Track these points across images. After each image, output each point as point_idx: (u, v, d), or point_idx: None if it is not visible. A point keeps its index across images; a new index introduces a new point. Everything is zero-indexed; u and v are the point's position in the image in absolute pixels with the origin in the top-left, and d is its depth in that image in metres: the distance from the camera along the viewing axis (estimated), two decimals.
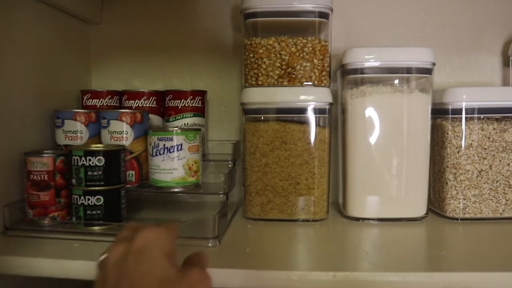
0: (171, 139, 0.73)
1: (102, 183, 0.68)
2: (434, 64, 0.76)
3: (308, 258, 0.62)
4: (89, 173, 0.67)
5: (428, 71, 0.76)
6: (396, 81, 0.78)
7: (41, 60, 0.81)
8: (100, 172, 0.68)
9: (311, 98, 0.74)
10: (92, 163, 0.67)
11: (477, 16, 0.91)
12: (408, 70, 0.76)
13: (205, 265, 0.50)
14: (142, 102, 0.85)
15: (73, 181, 0.68)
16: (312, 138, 0.75)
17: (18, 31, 0.75)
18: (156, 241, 0.45)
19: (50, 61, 0.84)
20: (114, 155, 0.70)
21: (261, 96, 0.75)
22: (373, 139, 0.75)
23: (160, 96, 0.86)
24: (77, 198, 0.68)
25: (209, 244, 0.64)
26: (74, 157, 0.68)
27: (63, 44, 0.88)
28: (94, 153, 0.67)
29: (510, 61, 0.88)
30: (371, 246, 0.67)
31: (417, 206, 0.77)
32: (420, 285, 0.54)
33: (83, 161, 0.67)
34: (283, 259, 0.60)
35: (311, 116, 0.75)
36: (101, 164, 0.68)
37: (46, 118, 0.81)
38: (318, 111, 0.75)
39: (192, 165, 0.75)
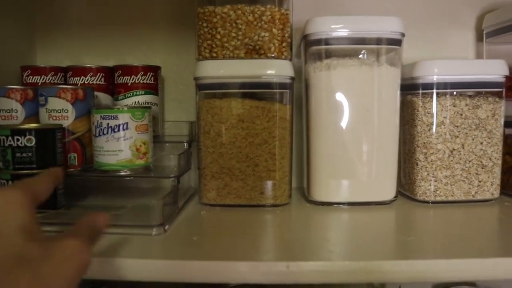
0: (116, 117, 0.66)
1: (34, 165, 0.60)
2: (403, 34, 0.70)
3: (262, 247, 0.55)
4: (18, 154, 0.60)
5: (397, 42, 0.70)
6: (364, 54, 0.71)
7: None
8: (30, 154, 0.60)
9: (270, 72, 0.68)
10: (21, 143, 0.60)
11: None
12: (377, 41, 0.70)
13: (95, 233, 0.41)
14: (88, 79, 0.77)
15: (0, 164, 0.61)
16: (272, 115, 0.68)
17: None
18: (3, 209, 0.36)
19: None
20: (47, 134, 0.62)
21: (216, 69, 0.68)
22: (338, 117, 0.69)
23: (109, 72, 0.79)
24: (4, 183, 0.60)
25: (153, 233, 0.57)
26: (0, 137, 0.60)
27: (2, 16, 0.79)
28: (23, 132, 0.60)
29: (484, 36, 0.83)
30: (334, 233, 0.61)
31: (386, 189, 0.72)
32: (383, 274, 0.48)
33: (10, 141, 0.59)
34: (233, 248, 0.54)
35: (270, 92, 0.68)
36: (31, 144, 0.60)
37: None
38: (278, 86, 0.68)
39: (140, 146, 0.68)
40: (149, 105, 0.77)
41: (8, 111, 0.70)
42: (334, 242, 0.56)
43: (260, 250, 0.54)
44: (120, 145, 0.66)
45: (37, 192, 0.41)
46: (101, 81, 0.78)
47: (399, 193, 0.74)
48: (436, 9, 0.86)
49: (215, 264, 0.48)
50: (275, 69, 0.68)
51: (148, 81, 0.78)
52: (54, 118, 0.68)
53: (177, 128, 0.84)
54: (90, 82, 0.77)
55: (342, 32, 0.68)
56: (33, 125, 0.64)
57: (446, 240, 0.56)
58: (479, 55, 0.86)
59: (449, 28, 0.86)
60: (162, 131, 0.82)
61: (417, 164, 0.72)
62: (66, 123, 0.68)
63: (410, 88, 0.73)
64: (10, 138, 0.59)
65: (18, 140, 0.60)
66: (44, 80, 0.78)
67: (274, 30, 0.68)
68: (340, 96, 0.69)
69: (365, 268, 0.47)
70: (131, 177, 0.67)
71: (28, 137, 0.60)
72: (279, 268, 0.47)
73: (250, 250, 0.52)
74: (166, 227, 0.59)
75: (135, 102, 0.77)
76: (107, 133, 0.66)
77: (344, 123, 0.69)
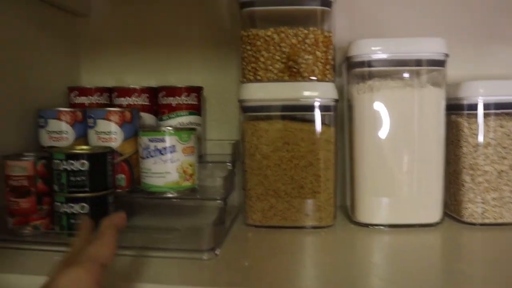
0: (163, 140, 0.67)
1: (87, 189, 0.62)
2: (447, 55, 0.69)
3: (313, 273, 0.55)
4: (72, 178, 0.61)
5: (441, 63, 0.69)
6: (406, 75, 0.71)
7: (24, 55, 0.75)
8: (84, 177, 0.62)
9: (314, 94, 0.68)
10: (75, 167, 0.61)
11: (493, 4, 0.84)
12: (419, 63, 0.69)
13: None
14: (133, 100, 0.79)
15: (55, 187, 0.62)
16: (317, 137, 0.69)
17: (1, 25, 0.69)
18: None
19: (33, 55, 0.78)
20: (99, 158, 0.64)
21: (260, 92, 0.69)
22: (382, 138, 0.69)
23: (153, 93, 0.80)
24: (59, 205, 0.62)
25: (204, 257, 0.57)
26: (55, 160, 0.62)
27: (48, 37, 0.82)
28: (76, 156, 0.62)
29: None
30: (382, 258, 0.61)
31: (432, 211, 0.71)
32: None
33: (64, 165, 0.61)
34: (284, 274, 0.54)
35: (315, 114, 0.68)
36: (85, 168, 0.62)
37: (29, 118, 0.75)
38: (322, 108, 0.69)
39: (187, 168, 0.69)
40: (193, 126, 0.78)
41: (59, 132, 0.72)
42: (382, 268, 0.56)
43: (312, 277, 0.54)
44: (168, 167, 0.68)
45: (103, 260, 0.42)
46: (146, 102, 0.79)
47: (445, 214, 0.73)
48: (478, 26, 0.85)
49: None
50: (319, 92, 0.68)
51: (191, 102, 0.79)
52: (103, 140, 0.70)
53: (219, 147, 0.84)
54: (135, 103, 0.79)
55: (385, 54, 0.68)
56: (85, 148, 0.66)
57: (497, 266, 0.55)
58: None
59: (492, 45, 0.84)
60: (205, 150, 0.83)
61: (463, 186, 0.71)
62: (114, 145, 0.70)
63: (455, 108, 0.72)
64: (64, 162, 0.61)
65: (72, 164, 0.61)
66: (90, 100, 0.80)
67: (317, 52, 0.68)
68: (384, 117, 0.69)
69: None
70: (179, 199, 0.68)
71: (81, 161, 0.62)
72: None
73: (301, 277, 0.52)
74: (217, 251, 0.59)
75: (179, 123, 0.78)
76: (155, 155, 0.68)
77: (388, 144, 0.69)
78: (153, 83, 0.84)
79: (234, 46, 0.87)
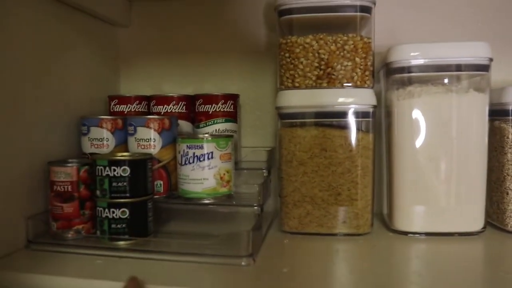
0: (201, 147, 0.68)
1: (128, 194, 0.63)
2: (491, 59, 0.67)
3: (353, 281, 0.55)
4: (114, 184, 0.63)
5: (484, 67, 0.67)
6: (448, 80, 0.70)
7: (67, 64, 0.78)
8: (125, 183, 0.63)
9: (353, 101, 0.68)
10: (117, 173, 0.63)
11: None
12: (462, 67, 0.68)
13: None
14: (171, 107, 0.80)
15: (98, 192, 0.64)
16: (355, 144, 0.68)
17: (42, 35, 0.71)
18: None
19: (76, 65, 0.80)
20: (140, 164, 0.65)
21: (298, 99, 0.69)
22: (422, 145, 0.68)
23: (190, 100, 0.82)
24: (101, 210, 0.64)
25: (243, 263, 0.58)
26: (98, 167, 0.64)
27: (91, 48, 0.85)
28: (119, 163, 0.63)
29: None
30: (424, 267, 0.59)
31: (473, 219, 0.69)
32: None
33: (107, 171, 0.63)
34: (324, 281, 0.54)
35: (353, 120, 0.68)
36: (126, 174, 0.63)
37: (72, 126, 0.77)
38: (361, 115, 0.68)
39: (224, 174, 0.69)
40: (230, 133, 0.79)
41: (100, 139, 0.74)
42: (425, 278, 0.54)
43: (349, 283, 0.53)
44: (205, 174, 0.68)
45: None
46: (183, 109, 0.81)
47: (487, 222, 0.71)
48: None
49: None
50: (358, 98, 0.68)
51: (228, 109, 0.80)
52: (142, 147, 0.71)
53: (254, 154, 0.85)
54: (173, 110, 0.80)
55: (426, 59, 0.67)
56: (127, 155, 0.68)
57: None
58: None
59: None
60: (240, 157, 0.84)
61: (507, 194, 0.69)
62: (153, 151, 0.71)
63: (499, 114, 0.70)
64: (107, 168, 0.63)
65: (114, 170, 0.63)
66: (129, 108, 0.82)
67: (356, 58, 0.68)
68: (424, 124, 0.67)
69: None
70: (216, 206, 0.69)
71: (123, 167, 0.63)
72: None
73: (339, 284, 0.52)
74: (255, 257, 0.59)
75: (216, 130, 0.79)
76: (193, 162, 0.68)
77: (428, 151, 0.68)
78: (189, 91, 0.85)
79: (269, 54, 0.88)
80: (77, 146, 0.76)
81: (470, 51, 0.67)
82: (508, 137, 0.68)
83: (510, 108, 0.68)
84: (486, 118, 0.68)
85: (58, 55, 0.75)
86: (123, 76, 0.95)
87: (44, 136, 0.71)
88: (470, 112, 0.68)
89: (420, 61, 0.68)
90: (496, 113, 0.70)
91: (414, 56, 0.68)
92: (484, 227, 0.69)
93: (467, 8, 0.83)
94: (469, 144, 0.68)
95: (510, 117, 0.68)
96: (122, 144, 0.74)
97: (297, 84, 0.69)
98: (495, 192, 0.72)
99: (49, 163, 0.67)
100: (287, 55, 0.70)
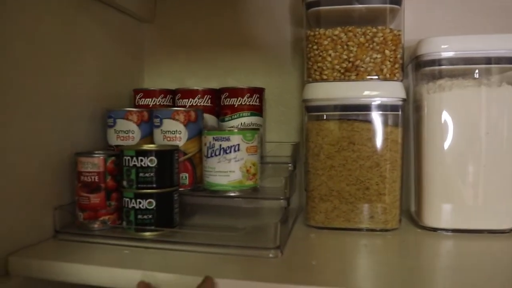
0: (228, 139, 0.68)
1: (154, 185, 0.63)
2: None
3: (384, 274, 0.54)
4: (141, 174, 0.63)
5: None
6: (479, 73, 0.68)
7: (95, 59, 0.78)
8: (152, 174, 0.63)
9: (382, 94, 0.66)
10: (144, 163, 0.63)
11: None
12: (494, 60, 0.66)
13: None
14: (196, 101, 0.80)
15: (124, 183, 0.64)
16: (383, 138, 0.67)
17: (74, 30, 0.72)
18: None
19: (103, 59, 0.81)
20: (167, 155, 0.65)
21: (326, 92, 0.68)
22: (453, 140, 0.66)
23: (215, 94, 0.81)
24: (128, 201, 0.64)
25: (270, 255, 0.57)
26: (125, 157, 0.64)
27: (117, 42, 0.85)
28: (146, 153, 0.63)
29: None
30: (453, 263, 0.58)
31: (503, 217, 0.67)
32: None
33: (134, 161, 0.63)
34: (355, 274, 0.53)
35: (382, 114, 0.67)
36: (153, 165, 0.63)
37: (98, 118, 0.78)
38: (390, 108, 0.67)
39: (250, 167, 0.69)
40: (256, 127, 0.78)
41: (126, 132, 0.74)
42: (455, 274, 0.53)
43: (383, 278, 0.52)
44: (231, 166, 0.68)
45: None
46: (208, 103, 0.80)
47: None
48: None
49: None
50: (388, 91, 0.67)
51: (253, 103, 0.79)
52: (168, 139, 0.71)
53: (279, 149, 0.84)
54: (198, 104, 0.80)
55: (457, 52, 0.66)
56: (154, 146, 0.68)
57: None
58: None
59: None
60: (264, 152, 0.83)
61: None
62: (179, 144, 0.71)
63: None
64: (134, 158, 0.63)
65: (141, 160, 0.63)
66: (155, 102, 0.82)
67: (386, 51, 0.67)
68: (455, 118, 0.66)
69: None
70: (243, 198, 0.68)
71: (150, 157, 0.63)
72: None
73: (373, 278, 0.51)
74: (282, 250, 0.58)
75: (241, 124, 0.78)
76: (219, 154, 0.68)
77: (459, 146, 0.66)
78: (213, 85, 0.85)
79: (294, 49, 0.88)
80: (103, 138, 0.77)
81: (502, 44, 0.66)
82: None
83: None
84: None
85: (84, 48, 0.75)
86: (147, 71, 0.96)
87: (70, 128, 0.72)
88: (502, 106, 0.66)
89: (451, 54, 0.67)
90: None
91: (445, 48, 0.67)
92: None
93: (496, 2, 0.81)
94: (500, 140, 0.66)
95: None
96: (148, 137, 0.74)
97: (325, 77, 0.69)
98: None
99: (76, 154, 0.67)
100: (315, 47, 0.69)
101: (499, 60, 0.66)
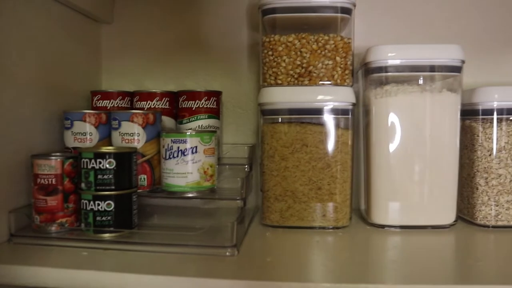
0: (186, 141, 0.70)
1: (113, 187, 0.64)
2: (463, 61, 0.71)
3: (335, 268, 0.57)
4: (99, 176, 0.64)
5: (457, 69, 0.71)
6: (422, 80, 0.73)
7: (50, 59, 0.78)
8: (111, 176, 0.64)
9: (333, 98, 0.70)
10: (103, 165, 0.63)
11: (504, 12, 0.87)
12: (437, 68, 0.71)
13: None
14: (154, 103, 0.81)
15: (82, 185, 0.64)
16: (335, 140, 0.71)
17: (26, 28, 0.71)
18: None
19: (59, 60, 0.81)
20: (126, 157, 0.66)
21: (281, 96, 0.71)
22: (399, 142, 0.71)
23: (173, 97, 0.83)
24: (86, 203, 0.64)
25: (227, 253, 0.59)
26: (83, 159, 0.64)
27: (73, 43, 0.85)
28: (104, 155, 0.64)
29: None
30: (399, 256, 0.62)
31: (446, 213, 0.73)
32: None
33: (93, 163, 0.63)
34: (308, 269, 0.56)
35: (333, 117, 0.71)
36: (112, 167, 0.64)
37: (55, 120, 0.78)
38: (340, 112, 0.71)
39: (208, 168, 0.71)
40: (214, 129, 0.80)
41: (83, 134, 0.74)
42: (401, 265, 0.57)
43: (335, 272, 0.56)
44: (189, 168, 0.70)
45: None
46: (166, 105, 0.82)
47: (458, 217, 0.75)
48: (490, 35, 0.87)
49: (296, 285, 0.50)
50: (339, 96, 0.70)
51: (211, 106, 0.81)
52: (126, 141, 0.72)
53: (235, 151, 0.87)
54: (156, 106, 0.81)
55: (403, 60, 0.70)
56: (112, 148, 0.69)
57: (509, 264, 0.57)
58: None
59: (504, 53, 0.87)
60: (221, 154, 0.85)
61: (477, 189, 0.73)
62: (137, 146, 0.72)
63: (470, 114, 0.74)
64: (93, 160, 0.63)
65: (100, 162, 0.63)
66: (112, 104, 0.82)
67: (337, 58, 0.70)
68: (401, 121, 0.71)
69: None
70: (201, 199, 0.70)
71: (109, 160, 0.64)
72: None
73: (326, 272, 0.54)
74: (239, 248, 0.61)
75: (199, 126, 0.80)
76: (177, 156, 0.70)
77: (405, 147, 0.71)
78: (171, 88, 0.86)
79: (250, 53, 0.90)
80: (59, 140, 0.76)
81: (444, 53, 0.71)
82: (478, 135, 0.72)
83: (480, 108, 0.72)
84: (458, 117, 0.72)
85: (40, 48, 0.75)
86: (105, 72, 0.96)
87: (26, 130, 0.71)
88: (443, 111, 0.72)
89: (397, 62, 0.71)
90: (467, 113, 0.74)
91: (391, 56, 0.71)
92: (456, 221, 0.73)
93: (441, 13, 0.87)
94: (442, 141, 0.72)
95: (480, 117, 0.72)
96: (106, 139, 0.75)
97: (279, 82, 0.72)
98: (465, 187, 0.76)
99: (33, 156, 0.67)
100: (270, 53, 0.72)
101: (441, 68, 0.71)
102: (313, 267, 0.59)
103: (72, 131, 0.74)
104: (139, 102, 0.82)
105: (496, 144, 0.71)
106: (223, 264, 0.57)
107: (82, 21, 0.88)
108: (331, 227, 0.72)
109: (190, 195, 0.70)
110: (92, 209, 0.64)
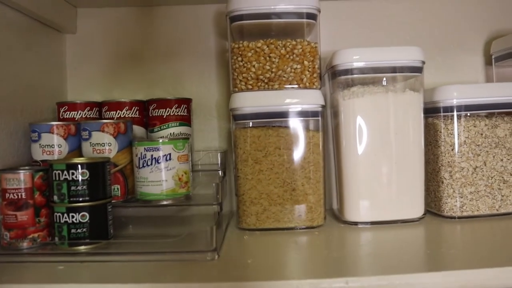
0: (159, 149, 0.70)
1: (87, 198, 0.63)
2: (423, 62, 0.75)
3: (316, 265, 0.59)
4: (73, 188, 0.62)
5: (418, 69, 0.75)
6: (387, 81, 0.76)
7: (13, 70, 0.76)
8: (84, 187, 0.63)
9: (303, 101, 0.72)
10: (76, 177, 0.62)
11: (459, 17, 0.92)
12: (399, 69, 0.75)
13: None
14: (124, 113, 0.81)
15: (55, 197, 0.63)
16: (306, 142, 0.72)
17: None
18: None
19: (22, 71, 0.79)
20: (99, 167, 0.65)
21: (252, 100, 0.72)
22: (367, 141, 0.73)
23: (143, 106, 0.82)
24: (59, 216, 0.63)
25: (208, 258, 0.59)
26: (55, 171, 0.63)
27: (36, 53, 0.83)
28: (77, 166, 0.63)
29: (493, 60, 0.89)
30: (375, 250, 0.64)
31: (415, 207, 0.76)
32: (436, 285, 0.51)
33: (65, 175, 0.62)
34: (289, 268, 0.57)
35: (304, 120, 0.72)
36: (85, 177, 0.63)
37: (20, 133, 0.76)
38: (311, 114, 0.73)
39: (182, 175, 0.71)
40: (186, 137, 0.80)
41: (52, 146, 0.72)
42: (379, 258, 0.59)
43: (316, 268, 0.57)
44: (164, 176, 0.70)
45: None
46: (136, 114, 0.81)
47: (426, 211, 0.78)
48: (446, 37, 0.92)
49: (279, 284, 0.51)
50: (308, 99, 0.72)
51: (182, 113, 0.81)
52: (98, 151, 0.71)
53: (207, 157, 0.87)
54: (126, 116, 0.80)
55: (368, 62, 0.73)
56: (85, 159, 0.67)
57: (476, 252, 0.60)
58: (488, 78, 0.92)
59: (459, 54, 0.92)
60: (195, 160, 0.86)
61: (442, 182, 0.76)
62: (109, 156, 0.71)
63: (431, 112, 0.77)
64: (65, 172, 0.62)
65: (73, 174, 0.62)
66: (80, 115, 0.81)
67: (305, 62, 0.72)
68: (368, 121, 0.73)
69: (419, 280, 0.51)
70: (177, 206, 0.70)
71: (82, 170, 0.63)
72: (338, 284, 0.51)
73: (307, 269, 0.55)
74: (219, 252, 0.61)
75: (171, 134, 0.80)
76: (151, 164, 0.69)
77: (372, 146, 0.73)
78: (140, 97, 0.86)
79: (218, 58, 0.91)
80: (26, 154, 0.75)
81: (405, 55, 0.75)
82: (440, 132, 0.76)
83: (441, 106, 0.76)
84: (422, 115, 0.75)
85: (1, 60, 0.73)
86: (70, 83, 0.94)
87: None
88: (407, 110, 0.75)
89: (361, 64, 0.74)
90: (429, 111, 0.78)
91: (356, 59, 0.74)
92: (424, 214, 0.76)
93: (399, 18, 0.91)
94: (407, 139, 0.75)
95: (441, 114, 0.76)
96: (76, 150, 0.74)
97: (250, 87, 0.73)
98: (431, 182, 0.79)
99: (0, 171, 0.65)
100: (239, 59, 0.73)
101: (402, 69, 0.75)
102: (294, 265, 0.60)
103: (40, 144, 0.72)
104: (108, 112, 0.81)
105: (458, 139, 0.75)
106: (205, 269, 0.57)
107: (44, 31, 0.86)
108: (306, 226, 0.73)
109: (166, 202, 0.70)
110: (66, 221, 0.63)
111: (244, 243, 0.69)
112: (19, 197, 0.64)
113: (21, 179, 0.64)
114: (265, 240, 0.69)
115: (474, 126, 0.75)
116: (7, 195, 0.64)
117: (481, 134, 0.75)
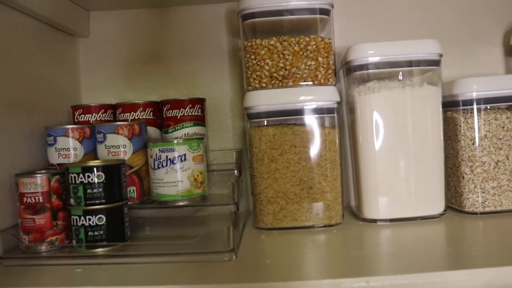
0: (174, 150, 0.69)
1: (104, 200, 0.63)
2: (441, 55, 0.73)
3: (335, 264, 0.57)
4: (89, 190, 0.62)
5: (436, 62, 0.73)
6: (403, 76, 0.75)
7: (28, 75, 0.76)
8: (100, 189, 0.63)
9: (318, 98, 0.71)
10: (91, 179, 0.62)
11: (475, 7, 0.90)
12: (415, 63, 0.73)
13: None
14: (138, 114, 0.80)
15: (71, 200, 0.63)
16: (322, 139, 0.71)
17: (6, 47, 0.70)
18: None
19: (37, 76, 0.79)
20: (114, 169, 0.65)
21: (266, 99, 0.72)
22: (384, 137, 0.72)
23: (157, 107, 0.82)
24: (76, 219, 0.63)
25: (225, 258, 0.59)
26: (71, 174, 0.63)
27: (49, 58, 0.84)
28: (92, 169, 0.63)
29: None
30: (395, 248, 0.63)
31: (435, 203, 0.74)
32: (459, 284, 0.50)
33: (81, 178, 0.62)
34: (308, 268, 0.56)
35: (319, 117, 0.71)
36: (101, 180, 0.63)
37: (36, 137, 0.76)
38: (326, 111, 0.72)
39: (198, 176, 0.71)
40: (200, 137, 0.80)
41: (67, 149, 0.73)
42: (399, 256, 0.58)
43: (335, 268, 0.56)
44: (179, 176, 0.69)
45: None
46: (150, 116, 0.81)
47: (447, 207, 0.76)
48: (463, 29, 0.90)
49: (299, 284, 0.50)
50: (323, 95, 0.71)
51: (196, 113, 0.81)
52: (113, 154, 0.71)
53: (222, 157, 0.86)
54: (140, 118, 0.80)
55: (383, 57, 0.72)
56: (100, 161, 0.67)
57: (500, 249, 0.58)
58: (508, 69, 0.89)
59: (477, 46, 0.90)
60: (210, 160, 0.85)
61: (463, 178, 0.74)
62: (125, 157, 0.71)
63: (450, 105, 0.76)
64: (81, 175, 0.62)
65: (88, 176, 0.62)
66: (95, 118, 0.81)
67: (319, 58, 0.71)
68: (385, 117, 0.72)
69: (444, 278, 0.49)
70: (193, 206, 0.69)
71: (98, 173, 0.63)
72: (359, 283, 0.49)
73: (327, 268, 0.54)
74: (236, 252, 0.60)
75: (185, 134, 0.80)
76: (167, 165, 0.69)
77: (390, 142, 0.72)
78: (153, 98, 0.86)
79: (231, 57, 0.91)
80: (42, 157, 0.75)
81: (421, 48, 0.73)
82: (460, 126, 0.74)
83: (460, 99, 0.74)
84: (440, 109, 0.74)
85: (17, 66, 0.73)
86: (84, 86, 0.94)
87: (7, 149, 0.69)
88: (425, 104, 0.73)
89: (377, 59, 0.72)
90: (448, 105, 0.76)
91: (371, 54, 0.72)
92: (445, 210, 0.74)
93: (415, 11, 0.89)
94: (426, 134, 0.73)
95: (461, 108, 0.74)
96: (91, 153, 0.74)
97: (264, 85, 0.72)
98: (452, 177, 0.77)
99: (17, 175, 0.65)
100: (252, 57, 0.72)
101: (419, 63, 0.73)
102: (312, 265, 0.59)
103: (55, 147, 0.73)
104: (123, 114, 0.81)
105: (478, 133, 0.73)
106: (223, 269, 0.56)
107: (58, 35, 0.86)
108: (324, 225, 0.72)
109: (181, 203, 0.70)
110: (83, 224, 0.63)
111: (262, 243, 0.68)
112: (37, 201, 0.64)
113: (38, 183, 0.64)
114: (282, 240, 0.69)
115: (495, 119, 0.73)
116: (24, 199, 0.64)
117: (503, 127, 0.73)
